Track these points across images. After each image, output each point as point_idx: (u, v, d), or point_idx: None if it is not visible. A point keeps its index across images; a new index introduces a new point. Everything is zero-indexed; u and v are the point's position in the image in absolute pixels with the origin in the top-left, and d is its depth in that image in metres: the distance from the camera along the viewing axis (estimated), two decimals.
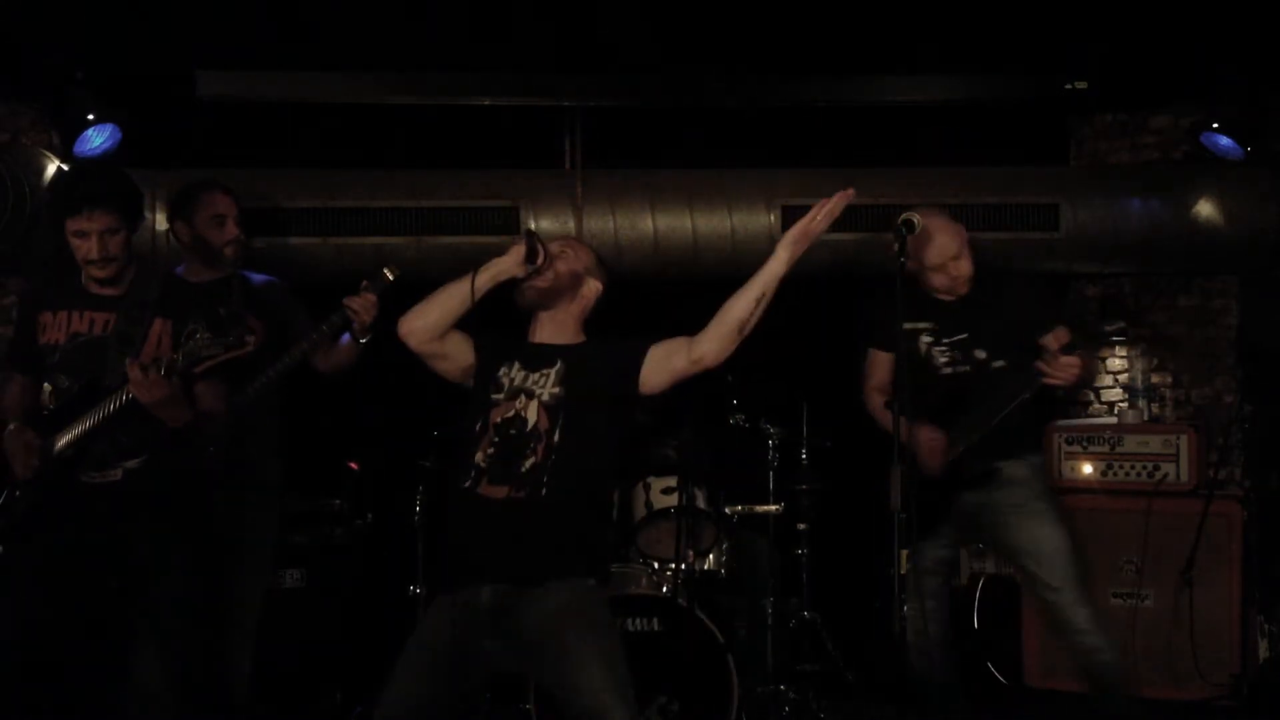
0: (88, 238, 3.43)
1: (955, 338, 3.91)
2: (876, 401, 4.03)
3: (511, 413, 3.13)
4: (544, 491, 3.04)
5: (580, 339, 3.29)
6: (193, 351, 3.25)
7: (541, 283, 3.22)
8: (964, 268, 3.90)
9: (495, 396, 3.16)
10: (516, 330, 3.32)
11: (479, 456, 3.11)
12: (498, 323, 3.28)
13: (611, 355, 3.20)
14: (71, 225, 3.44)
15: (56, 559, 3.45)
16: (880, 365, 4.06)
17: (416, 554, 4.88)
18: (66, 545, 3.44)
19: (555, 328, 3.27)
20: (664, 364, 3.15)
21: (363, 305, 3.94)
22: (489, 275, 3.17)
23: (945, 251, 3.87)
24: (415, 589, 4.86)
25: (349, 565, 5.00)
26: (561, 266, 3.25)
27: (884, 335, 4.00)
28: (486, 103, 5.34)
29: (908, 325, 3.92)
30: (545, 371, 3.17)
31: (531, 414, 3.11)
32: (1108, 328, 3.90)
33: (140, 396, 3.28)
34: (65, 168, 4.92)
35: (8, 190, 4.78)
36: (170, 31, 4.79)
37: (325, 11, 4.78)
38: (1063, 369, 3.66)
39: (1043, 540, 3.83)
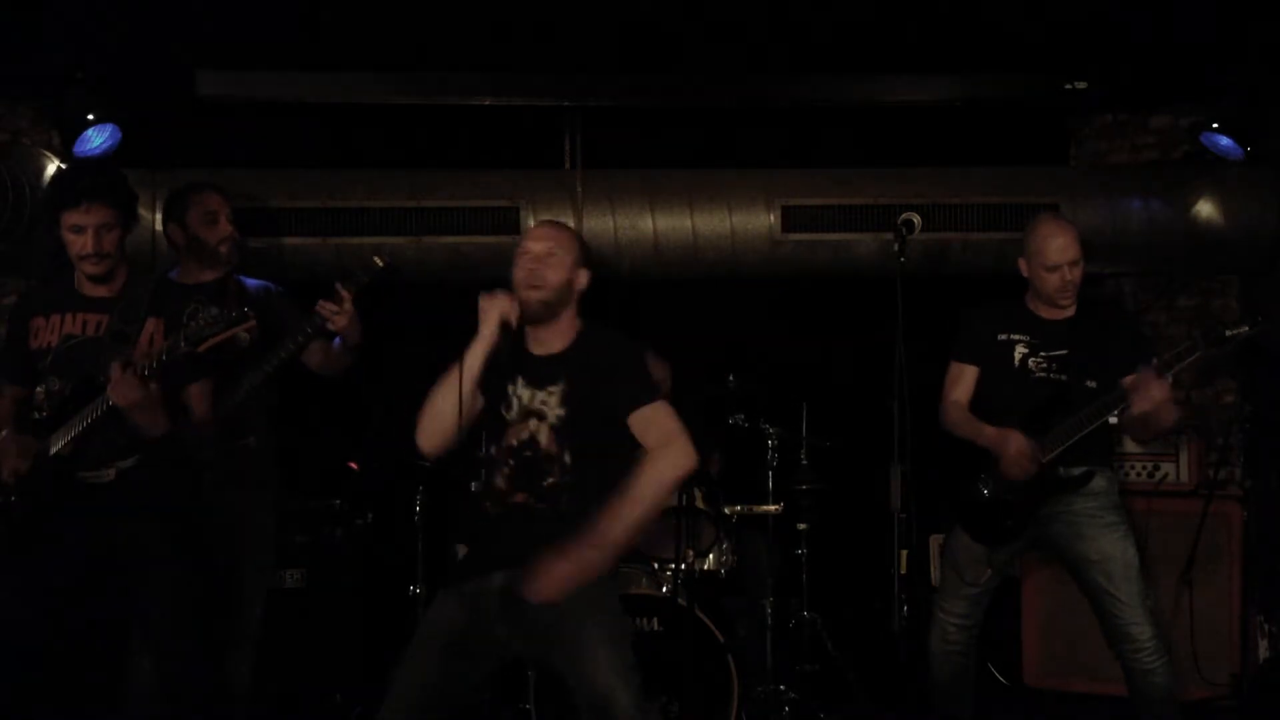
0: (83, 232, 3.43)
1: (1055, 352, 3.93)
2: (956, 414, 4.01)
3: (526, 434, 3.13)
4: (562, 507, 3.08)
5: (575, 334, 3.22)
6: (196, 330, 3.25)
7: (539, 296, 3.13)
8: (1078, 274, 3.92)
9: (508, 416, 3.15)
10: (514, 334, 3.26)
11: (500, 481, 3.14)
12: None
13: (608, 382, 3.11)
14: (68, 219, 3.44)
15: (53, 559, 3.45)
16: (967, 378, 4.05)
17: (416, 554, 4.88)
18: (63, 545, 3.44)
19: (554, 333, 3.21)
20: (640, 429, 3.09)
21: (336, 310, 3.91)
22: (476, 359, 3.09)
23: (1067, 253, 3.89)
24: (415, 589, 4.87)
25: (349, 565, 4.99)
26: (553, 276, 3.15)
27: (977, 351, 4.03)
28: (486, 103, 5.33)
29: (1002, 336, 3.98)
30: (550, 390, 3.13)
31: (544, 437, 3.11)
32: (1229, 332, 3.72)
33: (115, 399, 3.28)
34: (65, 167, 4.93)
35: (7, 190, 4.78)
36: (170, 31, 4.79)
37: (325, 11, 4.78)
38: (1147, 393, 3.65)
39: (1115, 554, 3.84)
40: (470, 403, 3.12)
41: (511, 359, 3.17)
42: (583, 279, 3.22)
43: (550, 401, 3.13)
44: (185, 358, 3.29)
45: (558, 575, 2.96)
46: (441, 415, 3.12)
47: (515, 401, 3.15)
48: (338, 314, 3.92)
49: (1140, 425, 3.88)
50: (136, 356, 3.33)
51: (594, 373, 3.14)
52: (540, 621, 3.02)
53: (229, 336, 3.29)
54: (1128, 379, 3.72)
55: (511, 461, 3.12)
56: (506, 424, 3.15)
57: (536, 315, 3.16)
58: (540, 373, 3.16)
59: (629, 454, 3.16)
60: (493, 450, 3.15)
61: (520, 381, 3.16)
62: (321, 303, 3.93)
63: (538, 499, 3.09)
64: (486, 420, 3.19)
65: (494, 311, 3.09)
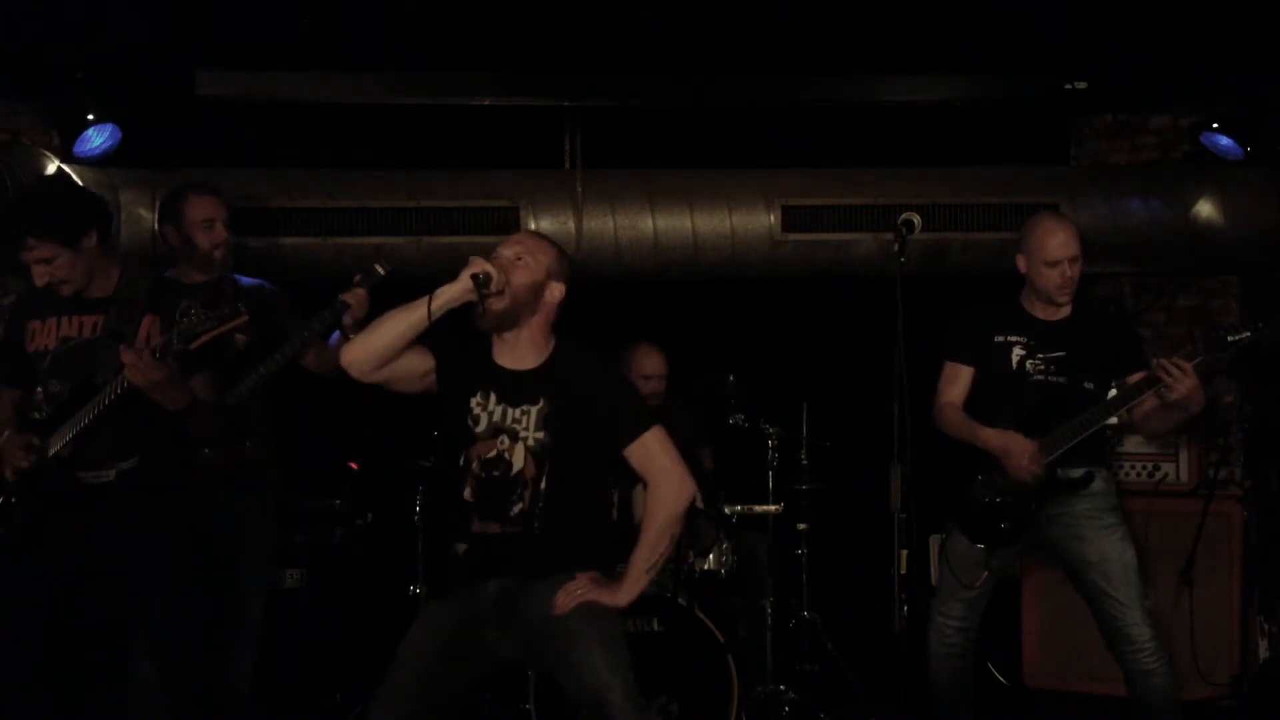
0: (33, 265, 3.44)
1: (1052, 354, 3.91)
2: (950, 414, 3.99)
3: (493, 453, 3.05)
4: (536, 529, 3.04)
5: (550, 350, 3.11)
6: (188, 327, 3.24)
7: (499, 304, 3.00)
8: (1078, 271, 3.90)
9: (475, 429, 3.07)
10: (475, 339, 3.13)
11: (467, 493, 3.09)
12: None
13: (599, 406, 3.06)
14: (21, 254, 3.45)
15: (53, 559, 3.45)
16: (962, 378, 4.02)
17: (416, 554, 4.88)
18: (63, 545, 3.44)
19: (524, 345, 3.09)
20: (638, 462, 3.09)
21: (356, 300, 3.94)
22: (440, 304, 2.97)
23: (1067, 249, 3.87)
24: (415, 589, 4.86)
25: (349, 565, 4.99)
26: (519, 278, 3.01)
27: (973, 351, 4.01)
28: (486, 103, 5.33)
29: (998, 338, 3.96)
30: (526, 409, 3.04)
31: (517, 459, 3.03)
32: (1231, 337, 3.70)
33: (135, 380, 3.28)
34: (65, 168, 4.92)
35: (8, 190, 4.77)
36: (170, 31, 4.79)
37: (325, 11, 4.78)
38: (1181, 378, 3.62)
39: (1113, 556, 3.82)
40: (411, 356, 3.02)
41: (481, 369, 3.09)
42: (555, 292, 3.07)
43: (525, 421, 3.04)
44: (179, 355, 3.29)
45: (587, 599, 3.00)
46: (376, 340, 3.00)
47: (484, 417, 3.06)
48: (355, 306, 3.92)
49: (1165, 416, 3.81)
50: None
51: (577, 396, 3.05)
52: (535, 624, 3.01)
53: (222, 333, 3.29)
54: (1162, 361, 3.68)
55: (481, 475, 3.06)
56: (474, 437, 3.07)
57: (496, 325, 3.04)
58: (515, 389, 3.06)
59: (603, 476, 3.16)
60: (459, 462, 3.10)
61: (492, 396, 3.07)
62: (345, 294, 3.95)
63: (507, 526, 3.05)
64: (451, 427, 3.11)
65: (475, 267, 2.96)
